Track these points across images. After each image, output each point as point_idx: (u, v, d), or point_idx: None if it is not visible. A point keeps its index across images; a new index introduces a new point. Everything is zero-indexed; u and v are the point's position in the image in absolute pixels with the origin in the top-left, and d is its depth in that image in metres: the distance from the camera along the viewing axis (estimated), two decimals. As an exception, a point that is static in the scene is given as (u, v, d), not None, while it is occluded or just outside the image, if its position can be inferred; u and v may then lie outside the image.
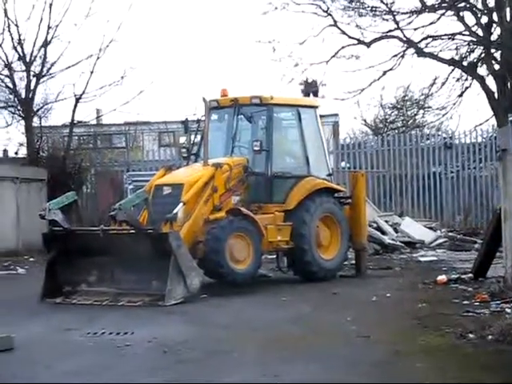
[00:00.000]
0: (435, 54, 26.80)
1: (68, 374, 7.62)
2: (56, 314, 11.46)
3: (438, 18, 26.42)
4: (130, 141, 31.52)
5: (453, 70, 27.13)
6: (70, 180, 25.62)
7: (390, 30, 26.88)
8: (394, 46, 27.33)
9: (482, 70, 26.65)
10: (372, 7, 26.70)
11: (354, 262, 15.76)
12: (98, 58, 26.68)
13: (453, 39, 26.76)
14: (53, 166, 25.24)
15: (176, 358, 8.21)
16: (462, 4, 26.33)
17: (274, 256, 15.48)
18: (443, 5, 26.62)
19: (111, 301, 12.21)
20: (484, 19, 26.23)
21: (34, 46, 26.31)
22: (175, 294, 11.87)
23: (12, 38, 26.13)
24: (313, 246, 14.39)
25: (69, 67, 26.77)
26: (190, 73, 62.05)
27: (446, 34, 26.80)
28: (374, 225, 20.49)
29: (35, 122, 27.34)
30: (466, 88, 27.27)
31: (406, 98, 34.34)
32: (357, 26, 26.78)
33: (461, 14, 26.22)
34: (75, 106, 26.93)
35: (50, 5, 26.09)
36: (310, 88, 26.14)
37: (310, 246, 14.34)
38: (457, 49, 26.77)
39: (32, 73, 26.44)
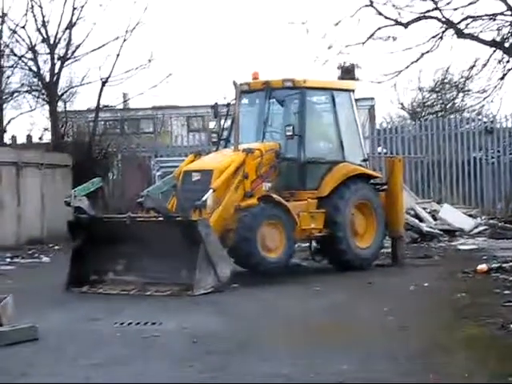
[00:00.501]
0: (475, 35, 26.30)
1: (94, 366, 7.46)
2: (82, 304, 11.43)
3: (479, -2, 25.89)
4: (157, 126, 31.28)
5: (494, 52, 26.62)
6: (96, 166, 25.13)
7: (429, 11, 26.37)
8: (433, 27, 26.87)
9: (524, 52, 26.12)
10: (409, -14, 26.21)
11: (390, 250, 15.60)
12: (125, 40, 26.29)
13: (494, 19, 26.22)
14: (78, 152, 25.04)
15: (205, 349, 8.06)
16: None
17: (307, 244, 15.31)
18: (484, -17, 26.11)
19: (139, 290, 12.16)
20: (527, -2, 25.64)
21: (58, 27, 25.98)
22: (204, 283, 11.75)
23: (36, 20, 25.80)
24: (348, 234, 14.22)
25: (94, 50, 26.42)
26: (220, 55, 61.90)
27: (486, 15, 26.26)
28: (412, 212, 20.34)
29: (60, 106, 27.09)
30: (508, 70, 26.75)
31: (445, 80, 33.82)
32: (393, 6, 26.28)
33: (502, -8, 25.65)
34: (101, 89, 26.67)
35: (75, -15, 25.86)
36: (347, 75, 25.82)
37: (345, 233, 14.17)
38: (498, 30, 26.25)
39: (56, 55, 26.09)
